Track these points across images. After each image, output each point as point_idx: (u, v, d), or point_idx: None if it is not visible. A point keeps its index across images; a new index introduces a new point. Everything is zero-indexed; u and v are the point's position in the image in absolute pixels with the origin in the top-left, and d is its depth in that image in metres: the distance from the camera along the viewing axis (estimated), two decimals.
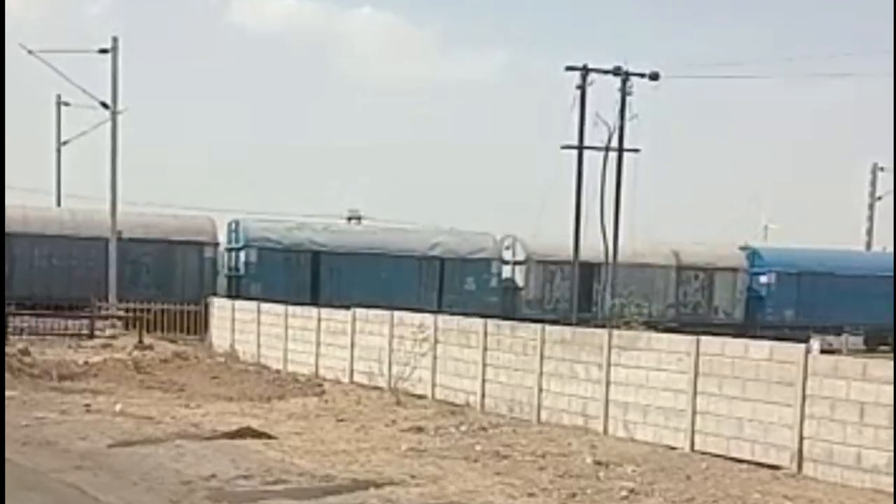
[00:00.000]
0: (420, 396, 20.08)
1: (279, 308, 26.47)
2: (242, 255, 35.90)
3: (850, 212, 55.81)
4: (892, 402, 12.63)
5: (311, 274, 35.79)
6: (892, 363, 13.00)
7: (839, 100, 76.89)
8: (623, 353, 16.39)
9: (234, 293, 35.03)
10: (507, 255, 38.78)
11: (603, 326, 20.55)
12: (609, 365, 16.54)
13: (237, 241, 36.27)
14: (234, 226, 36.74)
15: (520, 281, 38.43)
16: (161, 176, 61.32)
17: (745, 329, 35.58)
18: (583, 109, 34.87)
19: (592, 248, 35.92)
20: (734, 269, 40.01)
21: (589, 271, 37.24)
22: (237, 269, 36.12)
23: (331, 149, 78.70)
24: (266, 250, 35.63)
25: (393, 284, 34.68)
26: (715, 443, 14.85)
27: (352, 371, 22.89)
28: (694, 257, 40.22)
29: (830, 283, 39.07)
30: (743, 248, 40.85)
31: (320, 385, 22.25)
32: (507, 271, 38.58)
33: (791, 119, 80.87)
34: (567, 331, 18.36)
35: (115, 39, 33.72)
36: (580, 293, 36.37)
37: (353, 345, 22.96)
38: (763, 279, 39.72)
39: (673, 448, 15.20)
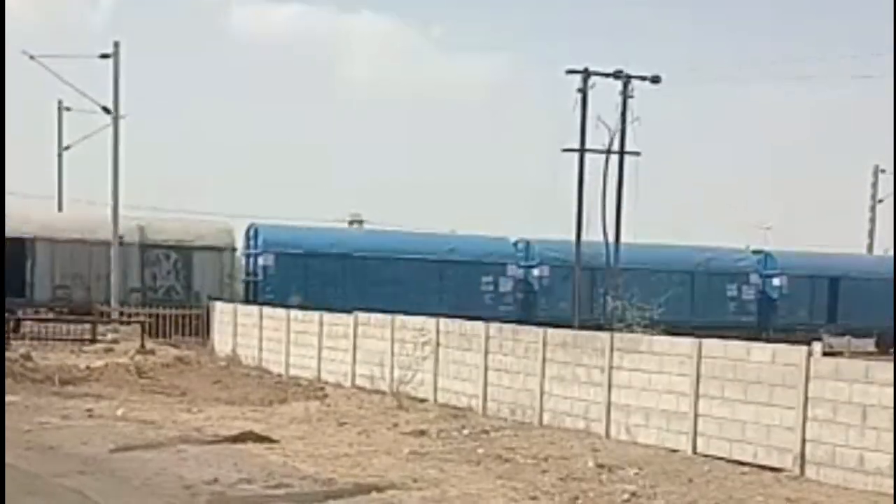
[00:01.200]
0: (422, 400, 20.06)
1: (281, 312, 26.48)
2: None
3: (851, 213, 55.81)
4: (893, 404, 12.63)
5: None
6: (892, 365, 12.99)
7: (839, 100, 76.97)
8: (625, 357, 16.38)
9: None
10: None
11: None
12: (611, 368, 16.53)
13: None
14: None
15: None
16: (162, 179, 61.41)
17: None
18: (584, 112, 34.84)
19: (24, 219, 31.61)
20: (219, 249, 34.70)
21: (20, 248, 31.79)
22: None
23: (331, 149, 78.88)
24: None
25: None
26: (717, 446, 14.83)
27: (353, 375, 22.87)
28: (164, 234, 34.43)
29: (338, 264, 35.26)
30: (249, 228, 36.30)
31: (322, 389, 22.24)
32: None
33: (791, 119, 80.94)
34: (569, 334, 18.37)
35: (116, 44, 33.75)
36: (11, 272, 30.12)
37: (354, 349, 22.96)
38: (261, 260, 35.16)
39: (675, 451, 15.18)
